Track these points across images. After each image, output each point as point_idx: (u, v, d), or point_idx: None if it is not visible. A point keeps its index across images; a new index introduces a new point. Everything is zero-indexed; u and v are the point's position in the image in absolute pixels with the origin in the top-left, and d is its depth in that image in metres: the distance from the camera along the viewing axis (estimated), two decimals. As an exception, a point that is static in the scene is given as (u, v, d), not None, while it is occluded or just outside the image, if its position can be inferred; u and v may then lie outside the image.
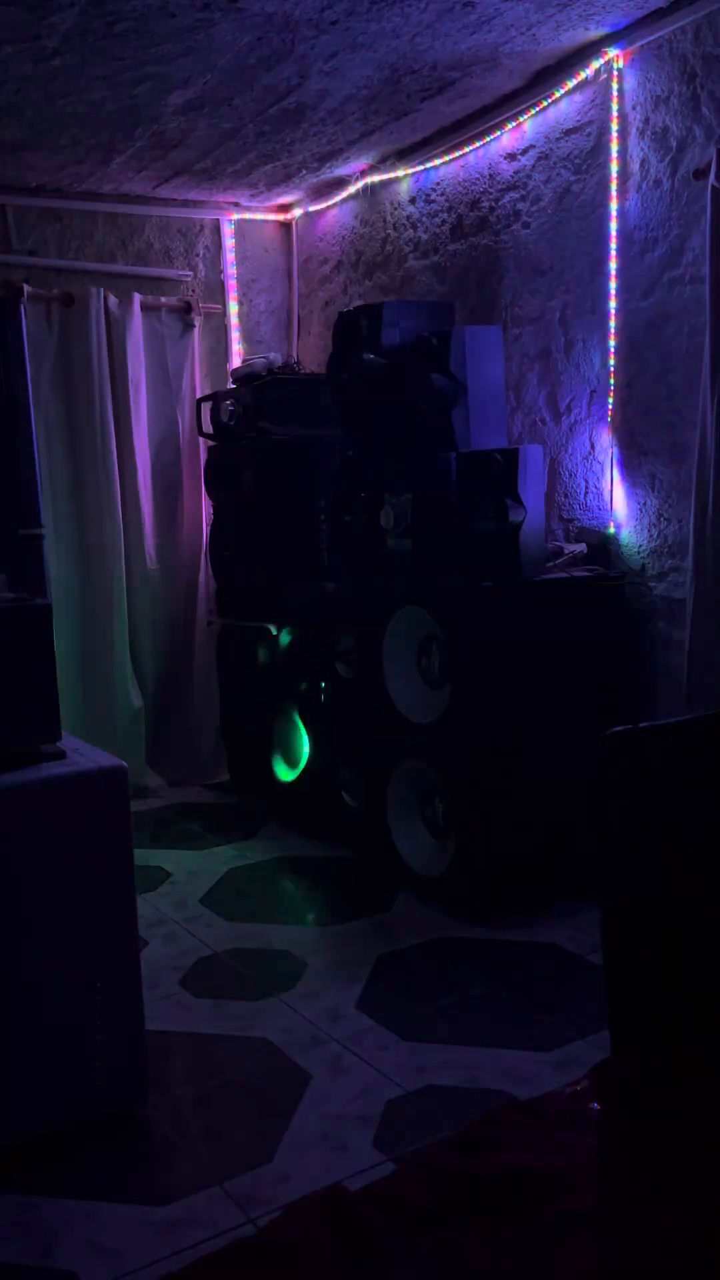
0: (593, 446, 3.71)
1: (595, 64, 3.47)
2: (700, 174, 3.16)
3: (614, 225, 3.50)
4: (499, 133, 3.94)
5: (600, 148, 3.54)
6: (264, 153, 4.36)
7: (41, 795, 2.25)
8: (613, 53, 3.41)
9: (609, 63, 3.43)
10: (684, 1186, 1.49)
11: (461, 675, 3.33)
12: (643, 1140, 1.59)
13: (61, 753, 2.37)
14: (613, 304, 3.53)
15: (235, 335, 5.24)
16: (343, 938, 3.35)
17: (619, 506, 3.61)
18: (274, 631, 4.40)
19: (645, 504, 3.52)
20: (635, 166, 3.42)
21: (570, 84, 3.58)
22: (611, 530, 3.63)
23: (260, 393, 4.45)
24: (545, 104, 3.71)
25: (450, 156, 4.19)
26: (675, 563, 3.43)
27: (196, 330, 5.05)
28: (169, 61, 3.38)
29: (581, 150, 3.62)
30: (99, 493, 4.78)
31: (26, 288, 4.59)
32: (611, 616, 3.53)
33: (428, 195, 4.36)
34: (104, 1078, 2.34)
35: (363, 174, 4.65)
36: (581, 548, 3.63)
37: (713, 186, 3.05)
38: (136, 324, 4.81)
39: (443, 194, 4.28)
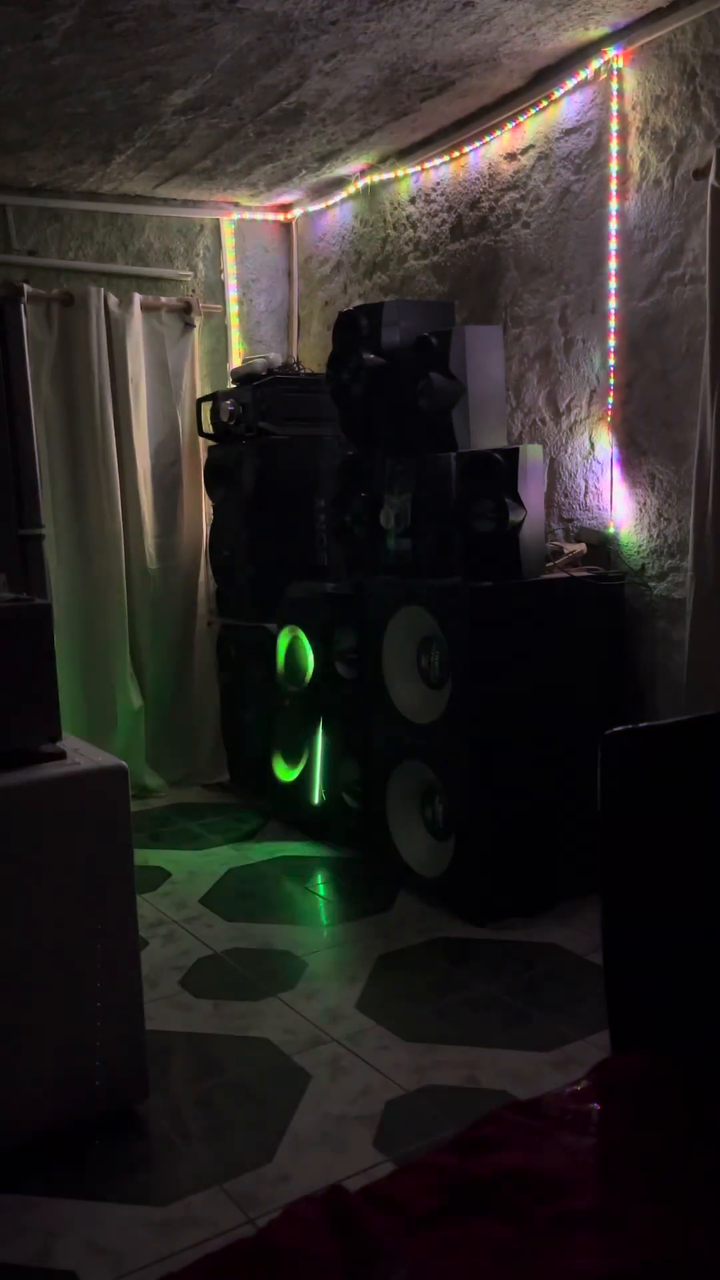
0: (593, 446, 3.71)
1: (595, 64, 3.47)
2: (700, 174, 3.16)
3: (614, 225, 3.50)
4: (499, 133, 3.94)
5: (600, 147, 3.54)
6: (264, 153, 4.36)
7: (41, 795, 2.25)
8: (613, 53, 3.41)
9: (609, 63, 3.43)
10: (684, 1186, 1.49)
11: (461, 675, 3.33)
12: (643, 1140, 1.59)
13: (61, 753, 2.37)
14: (613, 304, 3.54)
15: (235, 335, 5.24)
16: (343, 938, 3.35)
17: (619, 506, 3.61)
18: (274, 631, 4.40)
19: (645, 504, 3.52)
20: (635, 166, 3.42)
21: (570, 84, 3.58)
22: (611, 530, 3.63)
23: (260, 393, 4.45)
24: (545, 104, 3.71)
25: (450, 156, 4.19)
26: (675, 563, 3.43)
27: (196, 330, 5.05)
28: (169, 61, 3.38)
29: (581, 150, 3.62)
30: (99, 493, 4.78)
31: (26, 288, 4.58)
32: (611, 616, 3.53)
33: (428, 195, 4.36)
34: (104, 1078, 2.34)
35: (363, 174, 4.65)
36: (581, 548, 3.63)
37: (713, 186, 3.05)
38: (136, 324, 4.81)
39: (443, 194, 4.28)
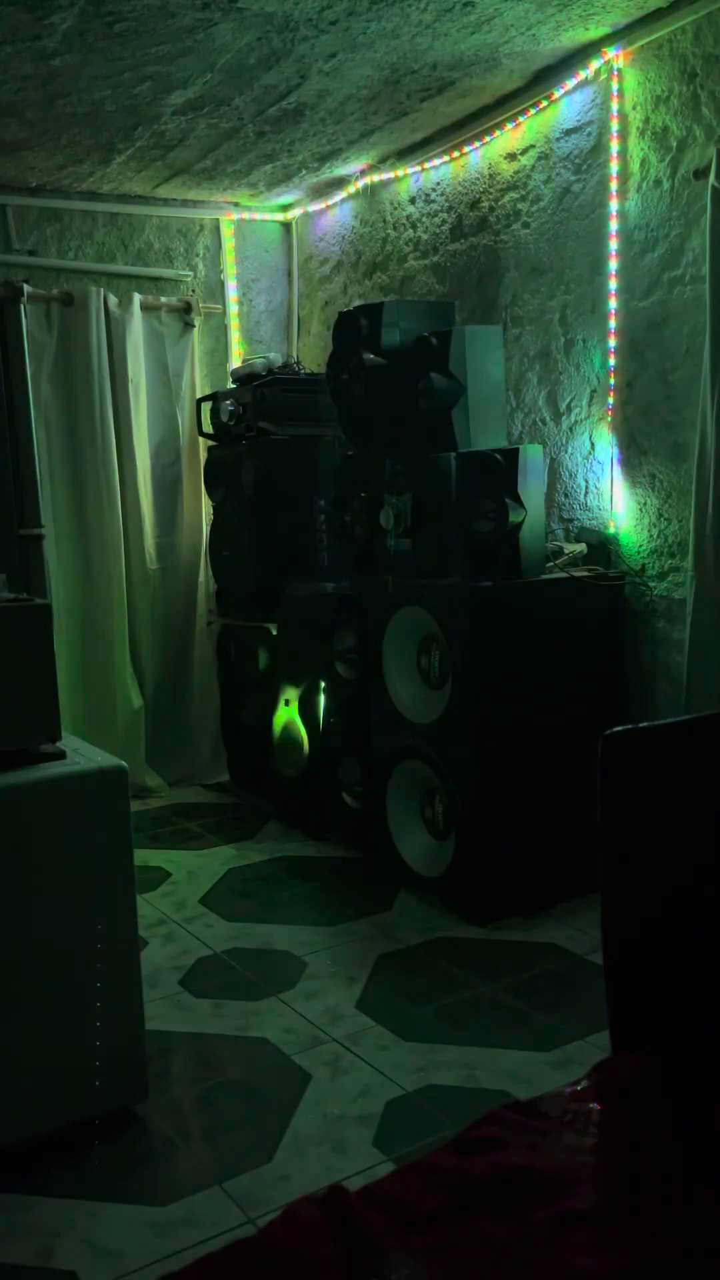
0: (593, 446, 3.71)
1: (595, 64, 3.47)
2: (700, 174, 3.16)
3: (614, 225, 3.50)
4: (499, 133, 3.94)
5: (600, 148, 3.54)
6: (264, 153, 4.36)
7: (41, 795, 2.25)
8: (613, 53, 3.41)
9: (609, 63, 3.43)
10: (684, 1186, 1.49)
11: (461, 675, 3.33)
12: (643, 1140, 1.59)
13: (61, 753, 2.37)
14: (613, 304, 3.53)
15: (235, 335, 5.24)
16: (343, 938, 3.35)
17: (619, 506, 3.61)
18: (274, 631, 4.40)
19: (645, 504, 3.52)
20: (635, 166, 3.42)
21: (570, 84, 3.58)
22: (611, 530, 3.63)
23: (260, 393, 4.45)
24: (545, 104, 3.71)
25: (450, 156, 4.19)
26: (675, 563, 3.43)
27: (196, 330, 5.05)
28: (169, 61, 3.38)
29: (581, 150, 3.62)
30: (99, 493, 4.78)
31: (26, 288, 4.58)
32: (611, 616, 3.53)
33: (428, 195, 4.36)
34: (104, 1077, 2.34)
35: (363, 174, 4.65)
36: (581, 548, 3.63)
37: (713, 186, 3.05)
38: (136, 324, 4.80)
39: (443, 194, 4.28)
